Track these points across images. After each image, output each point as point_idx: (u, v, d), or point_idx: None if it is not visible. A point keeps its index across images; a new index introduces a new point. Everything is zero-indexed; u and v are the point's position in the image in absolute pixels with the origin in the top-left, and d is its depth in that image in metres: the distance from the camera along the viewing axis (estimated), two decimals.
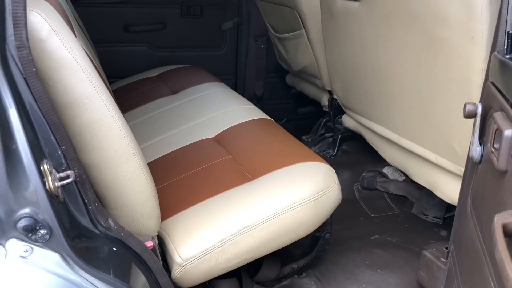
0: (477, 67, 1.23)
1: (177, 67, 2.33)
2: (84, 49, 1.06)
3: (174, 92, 2.02)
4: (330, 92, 2.25)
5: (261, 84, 2.77)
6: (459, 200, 1.23)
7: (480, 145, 0.96)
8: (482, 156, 0.96)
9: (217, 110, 1.73)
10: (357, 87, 1.80)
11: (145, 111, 1.87)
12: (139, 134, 1.63)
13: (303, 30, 2.14)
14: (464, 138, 1.34)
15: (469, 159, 1.12)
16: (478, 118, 0.98)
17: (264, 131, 1.57)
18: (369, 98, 1.74)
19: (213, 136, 1.57)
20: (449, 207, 1.81)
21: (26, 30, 0.73)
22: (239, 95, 1.93)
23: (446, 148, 1.43)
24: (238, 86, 2.74)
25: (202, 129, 1.62)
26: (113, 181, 0.96)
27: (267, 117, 1.68)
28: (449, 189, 1.49)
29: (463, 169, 1.39)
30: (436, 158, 1.49)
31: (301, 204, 1.18)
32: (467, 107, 0.99)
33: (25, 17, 0.72)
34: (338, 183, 1.29)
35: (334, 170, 1.32)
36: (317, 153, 2.17)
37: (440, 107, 1.40)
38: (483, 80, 1.22)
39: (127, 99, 2.00)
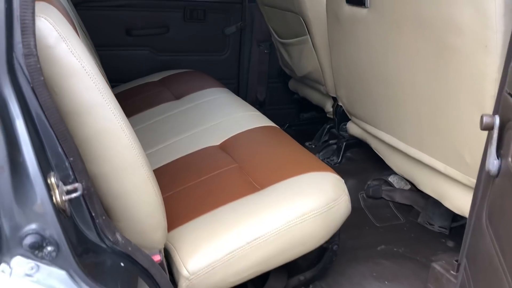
0: (490, 76, 1.21)
1: (179, 72, 2.30)
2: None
3: (177, 97, 1.99)
4: (334, 99, 2.23)
5: (263, 89, 2.74)
6: (471, 213, 1.20)
7: (498, 158, 0.94)
8: (499, 169, 0.93)
9: (222, 117, 1.70)
10: (363, 94, 1.78)
11: (148, 117, 1.84)
12: (143, 140, 1.59)
13: (308, 35, 2.11)
14: (475, 149, 1.31)
15: (483, 171, 1.09)
16: (496, 131, 0.96)
17: (270, 138, 1.54)
18: (376, 106, 1.71)
19: (218, 143, 1.54)
20: (455, 217, 1.79)
21: (35, 38, 0.70)
22: (243, 101, 1.91)
23: (456, 158, 1.41)
24: (241, 91, 2.72)
25: (207, 136, 1.59)
26: (120, 192, 0.93)
27: (272, 124, 1.65)
28: (458, 200, 1.46)
29: (473, 180, 1.36)
30: (445, 168, 1.46)
31: (311, 216, 1.15)
32: (484, 119, 0.97)
33: (34, 24, 0.69)
34: (348, 193, 1.26)
35: (343, 180, 1.29)
36: (321, 161, 2.15)
37: (450, 116, 1.38)
38: (496, 91, 1.20)
39: (129, 104, 1.96)
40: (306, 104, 2.66)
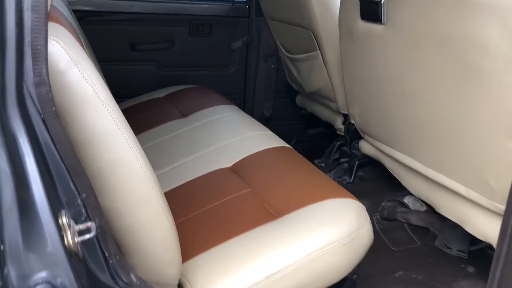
0: None
1: (185, 88, 2.24)
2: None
3: (184, 115, 1.92)
4: (344, 115, 2.17)
5: (270, 104, 2.69)
6: (500, 243, 1.13)
7: None
8: None
9: (232, 136, 1.63)
10: (379, 113, 1.72)
11: (154, 136, 1.77)
12: (150, 161, 1.53)
13: (318, 51, 2.06)
14: (502, 173, 1.25)
15: None
16: None
17: (285, 161, 1.47)
18: (393, 125, 1.65)
19: (229, 165, 1.48)
20: (473, 240, 1.72)
21: (47, 65, 0.64)
22: (253, 119, 1.84)
23: (480, 182, 1.34)
24: (247, 106, 2.66)
25: (217, 157, 1.52)
26: (134, 227, 0.86)
27: (285, 144, 1.59)
28: (481, 225, 1.40)
29: (500, 206, 1.30)
30: (467, 192, 1.40)
31: (333, 248, 1.08)
32: None
33: (46, 50, 0.63)
34: (370, 221, 1.20)
35: (364, 207, 1.23)
36: (340, 185, 2.08)
37: (473, 139, 1.32)
38: None
39: (134, 122, 1.89)
40: (313, 120, 2.60)
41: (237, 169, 1.45)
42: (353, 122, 1.97)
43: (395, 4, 1.46)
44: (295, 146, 2.54)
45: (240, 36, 2.53)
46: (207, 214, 1.24)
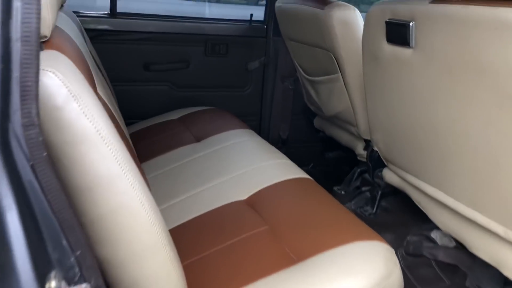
0: None
1: (200, 109, 2.16)
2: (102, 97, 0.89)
3: (198, 139, 1.83)
4: (366, 141, 2.06)
5: (286, 126, 2.59)
6: None
7: None
8: None
9: (248, 165, 1.53)
10: (404, 141, 1.60)
11: (166, 161, 1.68)
12: (160, 190, 1.44)
13: (339, 74, 1.96)
14: None
15: None
16: None
17: (306, 195, 1.36)
18: (420, 155, 1.54)
19: (245, 198, 1.37)
20: (507, 279, 1.59)
21: (37, 104, 0.55)
22: (270, 146, 1.74)
23: None
24: (263, 128, 2.57)
25: (232, 188, 1.42)
26: (137, 280, 0.76)
27: (305, 175, 1.48)
28: None
29: None
30: (505, 232, 1.27)
31: None
32: None
33: (37, 87, 0.54)
34: (400, 267, 1.08)
35: (393, 250, 1.11)
36: (353, 210, 1.96)
37: None
38: None
39: (146, 145, 1.82)
40: (331, 143, 2.49)
41: (253, 202, 1.35)
42: (376, 149, 1.86)
43: (425, 27, 1.36)
44: (313, 171, 2.44)
45: (257, 56, 2.45)
46: (219, 254, 1.13)
